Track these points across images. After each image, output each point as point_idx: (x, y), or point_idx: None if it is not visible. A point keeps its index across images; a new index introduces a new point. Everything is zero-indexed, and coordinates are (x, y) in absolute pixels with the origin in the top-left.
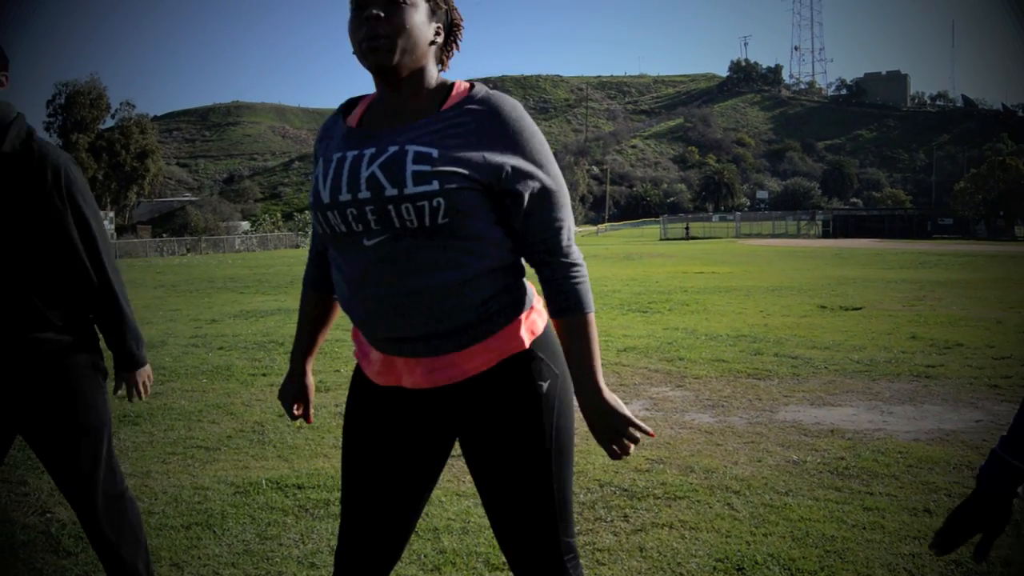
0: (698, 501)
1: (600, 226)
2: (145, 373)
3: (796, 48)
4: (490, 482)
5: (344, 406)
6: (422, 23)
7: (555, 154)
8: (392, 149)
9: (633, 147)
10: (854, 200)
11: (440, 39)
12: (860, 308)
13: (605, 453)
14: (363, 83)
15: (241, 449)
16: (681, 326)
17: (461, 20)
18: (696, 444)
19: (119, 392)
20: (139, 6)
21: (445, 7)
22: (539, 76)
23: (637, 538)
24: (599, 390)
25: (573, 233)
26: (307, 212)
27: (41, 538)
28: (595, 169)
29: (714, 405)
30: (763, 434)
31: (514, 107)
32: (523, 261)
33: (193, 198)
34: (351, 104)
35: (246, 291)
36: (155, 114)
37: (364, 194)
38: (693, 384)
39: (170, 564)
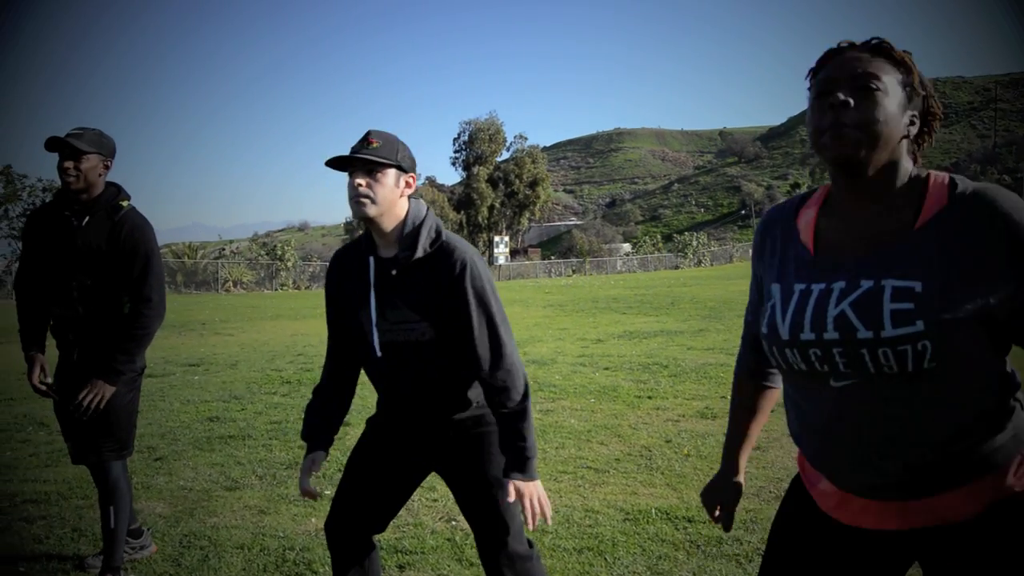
0: None
1: None
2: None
3: None
4: None
5: None
6: (895, 114)
7: (956, 164)
8: (866, 284)
9: None
10: None
11: (914, 130)
12: None
13: None
14: (743, 106)
15: (629, 473)
16: None
17: (939, 109)
18: None
19: None
20: (529, 50)
21: (923, 93)
22: (936, 79)
23: None
24: None
25: None
26: (686, 234)
27: (447, 544)
28: (1007, 178)
29: None
30: None
31: (1016, 202)
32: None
33: (578, 222)
34: (798, 202)
35: (628, 312)
36: (544, 145)
37: (831, 335)
38: None
39: None
